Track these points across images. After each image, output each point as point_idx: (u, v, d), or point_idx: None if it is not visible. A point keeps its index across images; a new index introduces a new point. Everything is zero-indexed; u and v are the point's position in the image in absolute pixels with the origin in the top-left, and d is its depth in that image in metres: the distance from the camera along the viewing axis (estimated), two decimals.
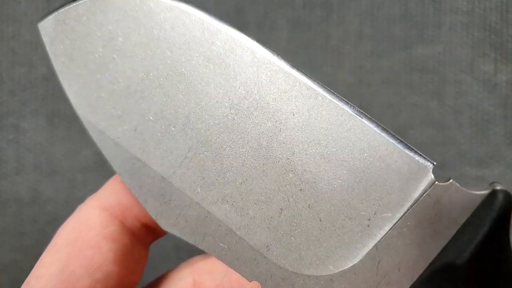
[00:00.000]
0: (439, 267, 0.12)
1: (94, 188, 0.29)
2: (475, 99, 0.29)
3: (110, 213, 0.17)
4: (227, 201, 0.15)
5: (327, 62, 0.29)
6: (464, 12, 0.29)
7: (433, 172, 0.13)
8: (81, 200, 0.28)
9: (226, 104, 0.14)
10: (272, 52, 0.15)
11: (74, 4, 0.16)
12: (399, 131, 0.29)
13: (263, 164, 0.14)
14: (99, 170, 0.29)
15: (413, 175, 0.13)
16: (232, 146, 0.14)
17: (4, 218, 0.29)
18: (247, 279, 0.15)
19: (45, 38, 0.16)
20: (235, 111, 0.14)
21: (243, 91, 0.14)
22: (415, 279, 0.13)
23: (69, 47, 0.16)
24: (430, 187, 0.13)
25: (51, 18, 0.16)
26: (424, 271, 0.13)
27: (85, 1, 0.16)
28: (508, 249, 0.12)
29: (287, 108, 0.14)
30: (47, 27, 0.16)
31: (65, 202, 0.29)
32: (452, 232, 0.13)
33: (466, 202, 0.13)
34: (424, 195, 0.13)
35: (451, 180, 0.13)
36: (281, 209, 0.14)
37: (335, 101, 0.14)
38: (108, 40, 0.15)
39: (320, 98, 0.14)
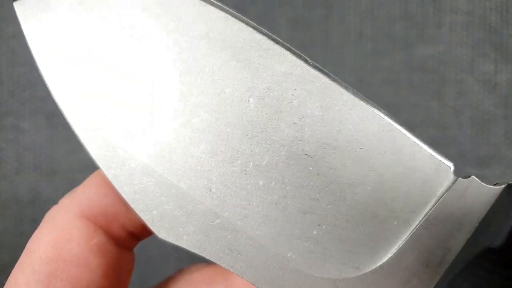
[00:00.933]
0: (475, 253, 0.12)
1: None
2: (475, 99, 0.29)
3: (94, 222, 0.15)
4: (245, 204, 0.14)
5: (327, 62, 0.29)
6: (464, 12, 0.29)
7: (454, 170, 0.14)
8: None
9: (250, 100, 0.14)
10: (297, 54, 0.15)
11: None
12: None
13: (287, 165, 0.14)
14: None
15: (436, 173, 0.14)
16: (252, 143, 0.14)
17: (4, 218, 0.29)
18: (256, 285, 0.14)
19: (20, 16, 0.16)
20: (258, 106, 0.14)
21: (266, 87, 0.14)
22: (442, 274, 0.13)
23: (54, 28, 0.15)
24: (453, 183, 0.14)
25: None
26: (454, 262, 0.13)
27: None
28: None
29: (313, 106, 0.14)
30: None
31: None
32: (476, 224, 0.13)
33: (486, 196, 0.14)
34: (448, 190, 0.13)
35: (472, 176, 0.14)
36: (304, 212, 0.14)
37: (362, 102, 0.14)
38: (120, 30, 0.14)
39: (345, 97, 0.14)
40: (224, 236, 0.14)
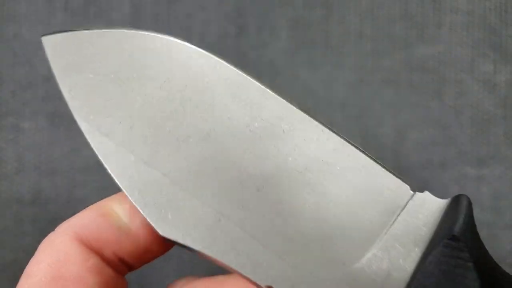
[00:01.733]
0: (437, 243, 0.15)
1: (94, 188, 0.29)
2: (475, 99, 0.29)
3: (88, 246, 0.16)
4: (242, 206, 0.16)
5: (327, 62, 0.29)
6: (464, 12, 0.29)
7: (410, 187, 0.17)
8: (81, 200, 0.28)
9: (245, 128, 0.17)
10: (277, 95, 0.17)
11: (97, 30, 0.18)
12: (399, 131, 0.29)
13: (277, 178, 0.16)
14: (100, 170, 0.29)
15: (397, 189, 0.17)
16: (247, 159, 0.16)
17: (4, 218, 0.29)
18: (261, 284, 0.15)
19: (49, 52, 0.18)
20: (252, 134, 0.17)
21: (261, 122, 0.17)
22: (412, 272, 0.15)
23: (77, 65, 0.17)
24: (412, 197, 0.16)
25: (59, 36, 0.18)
26: (422, 257, 0.15)
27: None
28: (476, 231, 0.16)
29: (299, 136, 0.17)
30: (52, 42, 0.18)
31: (65, 202, 0.29)
32: (434, 227, 0.16)
33: (440, 205, 0.17)
34: (409, 202, 0.16)
35: (426, 191, 0.17)
36: (292, 214, 0.16)
37: (337, 136, 0.17)
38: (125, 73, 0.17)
39: (322, 129, 0.17)
40: (228, 235, 0.15)
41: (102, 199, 0.29)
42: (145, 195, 0.16)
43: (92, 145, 0.17)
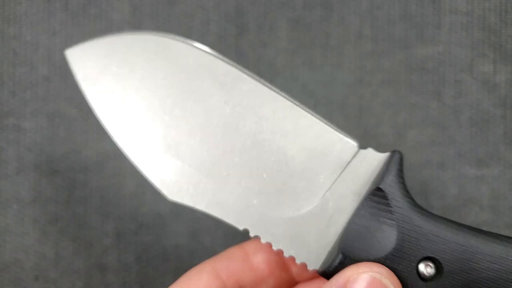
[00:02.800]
0: (368, 193, 0.19)
1: (94, 188, 0.29)
2: (474, 99, 0.29)
3: (217, 273, 0.22)
4: (225, 172, 0.21)
5: (327, 62, 0.29)
6: (463, 12, 0.29)
7: (358, 145, 0.21)
8: (81, 200, 0.29)
9: (227, 108, 0.21)
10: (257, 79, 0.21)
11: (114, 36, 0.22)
12: (398, 131, 0.29)
13: (252, 148, 0.21)
14: (100, 170, 0.29)
15: (344, 146, 0.21)
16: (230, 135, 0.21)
17: (5, 218, 0.29)
18: (239, 227, 0.20)
19: (74, 65, 0.22)
20: (232, 111, 0.21)
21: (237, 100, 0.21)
22: (351, 214, 0.20)
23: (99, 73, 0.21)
24: (356, 153, 0.20)
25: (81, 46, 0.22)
26: (359, 203, 0.20)
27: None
28: (404, 181, 0.20)
29: (265, 110, 0.21)
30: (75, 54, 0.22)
31: (65, 202, 0.29)
32: (372, 178, 0.20)
33: (380, 160, 0.20)
34: (354, 157, 0.20)
35: (369, 148, 0.21)
36: (263, 173, 0.21)
37: (293, 105, 0.21)
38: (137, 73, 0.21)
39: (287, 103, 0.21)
40: (215, 192, 0.21)
41: (102, 199, 0.29)
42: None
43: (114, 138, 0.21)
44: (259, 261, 0.22)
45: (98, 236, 0.29)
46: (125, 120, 0.21)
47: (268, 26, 0.29)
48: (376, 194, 0.19)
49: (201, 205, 0.21)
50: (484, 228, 0.29)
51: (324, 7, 0.29)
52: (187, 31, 0.29)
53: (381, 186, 0.19)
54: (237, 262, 0.22)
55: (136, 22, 0.29)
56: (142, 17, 0.29)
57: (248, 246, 0.23)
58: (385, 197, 0.19)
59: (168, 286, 0.22)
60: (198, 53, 0.21)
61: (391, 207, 0.19)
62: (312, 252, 0.20)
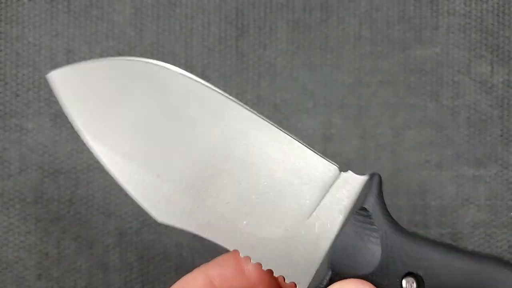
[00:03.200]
0: (353, 212, 0.20)
1: (96, 187, 0.29)
2: (472, 100, 0.29)
3: (211, 280, 0.22)
4: (214, 195, 0.21)
5: (327, 63, 0.30)
6: (461, 14, 0.29)
7: (339, 168, 0.21)
8: (84, 199, 0.29)
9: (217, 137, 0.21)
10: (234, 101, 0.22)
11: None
12: (397, 131, 0.29)
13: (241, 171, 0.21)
14: (102, 170, 0.29)
15: (326, 170, 0.21)
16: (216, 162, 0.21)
17: (8, 217, 0.29)
18: (229, 248, 0.21)
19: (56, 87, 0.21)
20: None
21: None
22: (336, 234, 0.20)
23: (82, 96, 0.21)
24: (338, 176, 0.21)
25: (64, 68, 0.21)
26: (344, 222, 0.20)
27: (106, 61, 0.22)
28: (384, 202, 0.20)
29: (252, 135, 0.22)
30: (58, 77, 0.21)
31: (68, 201, 0.29)
32: (355, 199, 0.21)
33: (360, 182, 0.21)
34: (336, 180, 0.21)
35: (349, 171, 0.21)
36: (251, 194, 0.21)
37: (276, 129, 0.21)
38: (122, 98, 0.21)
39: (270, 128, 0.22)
40: (207, 214, 0.21)
41: (104, 198, 0.29)
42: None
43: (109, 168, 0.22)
44: (251, 268, 0.22)
45: (100, 235, 0.29)
46: (112, 144, 0.21)
47: (268, 27, 0.30)
48: (361, 214, 0.20)
49: (190, 227, 0.21)
50: (482, 228, 0.29)
51: (323, 9, 0.30)
52: (188, 33, 0.30)
53: (365, 206, 0.20)
54: (229, 269, 0.22)
55: (137, 24, 0.30)
56: (143, 18, 0.30)
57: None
58: (369, 216, 0.20)
59: (169, 286, 0.22)
60: (186, 80, 0.21)
61: (375, 225, 0.20)
62: (301, 271, 0.20)
